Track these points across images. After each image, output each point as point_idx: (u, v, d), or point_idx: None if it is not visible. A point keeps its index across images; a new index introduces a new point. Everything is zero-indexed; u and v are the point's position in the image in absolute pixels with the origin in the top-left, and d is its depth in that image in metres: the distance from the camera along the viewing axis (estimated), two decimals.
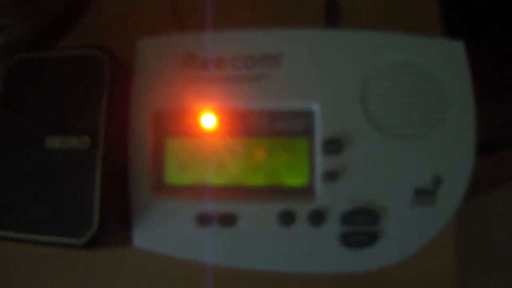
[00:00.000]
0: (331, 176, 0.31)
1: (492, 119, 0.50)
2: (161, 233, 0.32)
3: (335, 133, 0.32)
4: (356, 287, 0.35)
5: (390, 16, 0.37)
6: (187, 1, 0.36)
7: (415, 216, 0.32)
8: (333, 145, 0.31)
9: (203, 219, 0.32)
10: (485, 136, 0.54)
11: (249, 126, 0.32)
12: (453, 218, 0.34)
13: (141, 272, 0.36)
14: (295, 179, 0.32)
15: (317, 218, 0.31)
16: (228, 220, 0.32)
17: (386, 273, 0.35)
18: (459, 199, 0.32)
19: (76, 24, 0.38)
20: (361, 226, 0.31)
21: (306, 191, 0.32)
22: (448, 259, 0.35)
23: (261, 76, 0.32)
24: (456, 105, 0.33)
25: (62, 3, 0.37)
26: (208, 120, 0.32)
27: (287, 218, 0.31)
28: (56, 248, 0.31)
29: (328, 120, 0.32)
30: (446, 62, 0.33)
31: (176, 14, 0.36)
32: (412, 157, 0.32)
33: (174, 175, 0.33)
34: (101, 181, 0.30)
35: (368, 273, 0.33)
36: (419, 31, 0.34)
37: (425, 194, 0.32)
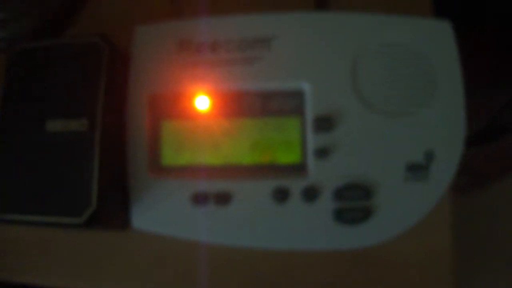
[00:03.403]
0: (322, 153, 0.32)
1: (491, 105, 0.51)
2: (158, 214, 0.33)
3: (326, 111, 0.32)
4: (353, 267, 0.36)
5: None
6: None
7: (408, 191, 0.32)
8: (324, 123, 0.32)
9: (199, 199, 0.32)
10: (485, 124, 0.54)
11: (242, 107, 0.33)
12: (446, 195, 0.34)
13: (139, 256, 0.37)
14: (288, 157, 0.33)
15: (310, 194, 0.32)
16: (223, 199, 0.32)
17: (383, 252, 0.35)
18: (452, 174, 0.33)
19: (76, 16, 0.39)
20: (354, 201, 0.32)
21: (299, 168, 0.32)
22: (444, 239, 0.35)
23: (253, 59, 0.33)
24: (446, 82, 0.33)
25: None
26: (202, 102, 0.33)
27: (281, 195, 0.32)
28: (56, 228, 0.32)
29: (319, 99, 0.33)
30: (434, 41, 0.34)
31: (173, 2, 0.37)
32: (403, 133, 0.32)
33: (170, 156, 0.33)
34: (99, 161, 0.31)
35: (364, 252, 0.34)
36: (410, 12, 0.35)
37: (417, 170, 0.32)
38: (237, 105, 0.33)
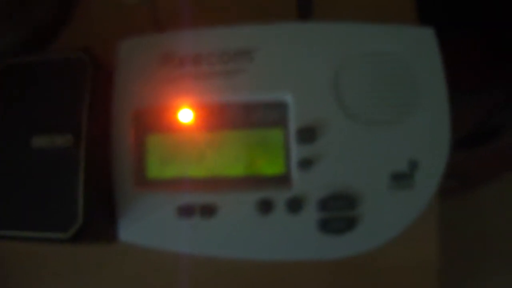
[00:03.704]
0: (306, 164, 0.32)
1: (481, 108, 0.51)
2: (144, 226, 0.33)
3: (309, 122, 0.32)
4: (340, 276, 0.36)
5: (365, 7, 0.38)
6: (166, 3, 0.38)
7: (393, 200, 0.32)
8: (307, 134, 0.32)
9: (184, 211, 0.33)
10: (478, 125, 0.54)
11: (226, 119, 0.33)
12: (433, 203, 0.34)
13: (127, 268, 0.37)
14: (271, 168, 0.33)
15: (294, 205, 0.32)
16: (208, 211, 0.32)
17: (369, 260, 0.35)
18: (437, 182, 0.32)
19: (63, 30, 0.39)
20: (339, 211, 0.32)
21: (283, 180, 0.33)
22: (430, 246, 0.35)
23: (235, 71, 0.33)
24: (429, 90, 0.33)
25: (50, 11, 0.38)
26: (186, 115, 0.34)
27: (265, 207, 0.32)
28: (43, 243, 0.32)
29: (302, 110, 0.33)
30: (417, 49, 0.34)
31: (154, 16, 0.37)
32: (387, 142, 0.32)
33: (155, 169, 0.34)
34: (85, 176, 0.31)
35: (351, 261, 0.34)
36: (395, 19, 0.35)
37: (401, 178, 0.32)
38: (221, 117, 0.33)
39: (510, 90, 0.47)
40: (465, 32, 0.47)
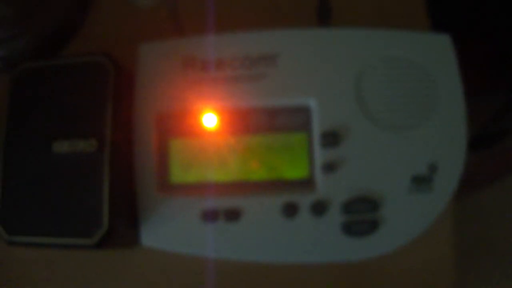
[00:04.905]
0: (330, 167, 0.33)
1: (485, 112, 0.52)
2: (168, 231, 0.33)
3: (332, 127, 0.33)
4: (358, 277, 0.36)
5: (379, 13, 0.39)
6: (185, 7, 0.38)
7: (413, 203, 0.33)
8: (331, 138, 0.33)
9: (208, 216, 0.33)
10: (480, 130, 0.55)
11: (249, 124, 0.34)
12: (450, 208, 0.35)
13: (148, 274, 0.37)
14: (295, 172, 0.33)
15: (319, 208, 0.32)
16: (232, 215, 0.33)
17: (386, 263, 0.36)
18: (455, 185, 0.33)
19: (75, 35, 0.39)
20: (362, 214, 0.32)
21: (307, 183, 0.33)
22: (446, 249, 0.36)
23: (259, 75, 0.34)
24: (447, 95, 0.34)
25: (61, 14, 0.38)
26: (210, 120, 0.34)
27: (290, 210, 0.32)
28: (67, 250, 0.32)
29: (325, 114, 0.33)
30: (434, 54, 0.35)
31: (175, 20, 0.37)
32: (407, 146, 0.33)
33: (178, 174, 0.34)
34: (109, 182, 0.31)
35: (369, 263, 0.35)
36: (408, 26, 0.35)
37: (421, 182, 0.33)
38: (244, 122, 0.34)
39: None
40: (470, 36, 0.48)
